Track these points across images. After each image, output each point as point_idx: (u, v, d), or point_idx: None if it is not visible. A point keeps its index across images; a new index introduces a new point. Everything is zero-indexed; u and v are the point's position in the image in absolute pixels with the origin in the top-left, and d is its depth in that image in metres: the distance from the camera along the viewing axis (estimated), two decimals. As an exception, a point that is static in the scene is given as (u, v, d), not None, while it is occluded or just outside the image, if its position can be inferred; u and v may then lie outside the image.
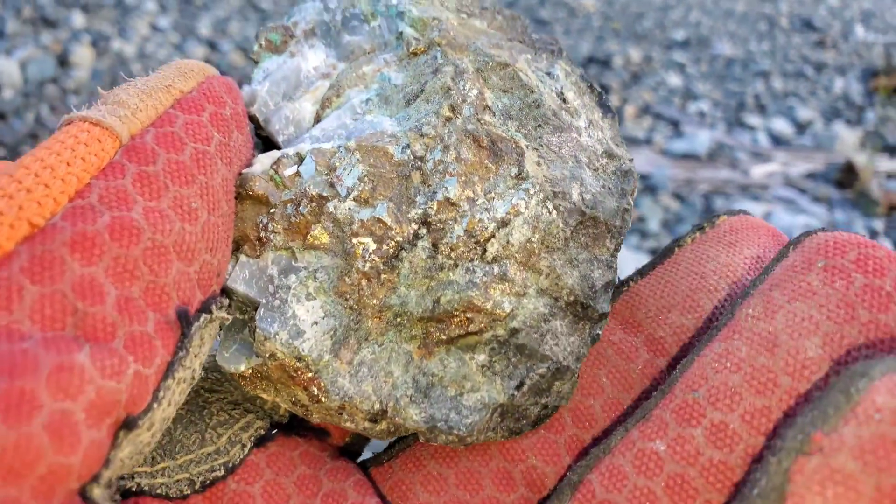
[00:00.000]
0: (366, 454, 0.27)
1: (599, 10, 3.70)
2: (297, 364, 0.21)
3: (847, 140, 2.35)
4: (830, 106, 2.74)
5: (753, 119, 2.58)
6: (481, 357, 0.23)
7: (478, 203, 0.22)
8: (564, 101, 0.25)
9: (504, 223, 0.22)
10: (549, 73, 0.26)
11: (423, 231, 0.22)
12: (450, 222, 0.22)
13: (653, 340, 0.24)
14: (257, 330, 0.21)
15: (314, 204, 0.22)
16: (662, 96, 2.71)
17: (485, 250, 0.22)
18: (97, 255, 0.17)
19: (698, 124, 2.50)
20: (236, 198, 0.22)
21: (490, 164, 0.22)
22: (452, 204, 0.22)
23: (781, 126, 2.52)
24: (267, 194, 0.22)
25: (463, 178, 0.22)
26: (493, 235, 0.22)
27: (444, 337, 0.22)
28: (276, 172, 0.22)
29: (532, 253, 0.22)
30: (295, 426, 0.25)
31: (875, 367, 0.18)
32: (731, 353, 0.20)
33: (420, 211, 0.22)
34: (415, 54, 0.24)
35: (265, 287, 0.22)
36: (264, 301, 0.21)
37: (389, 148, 0.22)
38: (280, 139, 0.24)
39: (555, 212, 0.23)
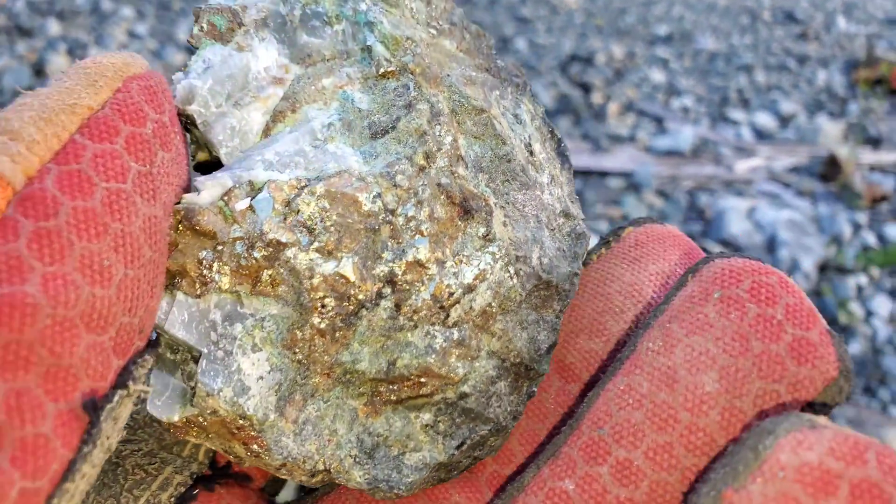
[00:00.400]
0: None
1: (582, 7, 3.70)
2: (241, 422, 0.20)
3: (830, 133, 2.36)
4: (813, 99, 2.75)
5: (737, 114, 2.58)
6: (426, 416, 0.22)
7: (446, 266, 0.21)
8: (532, 153, 0.24)
9: (470, 289, 0.21)
10: (516, 116, 0.25)
11: (388, 290, 0.20)
12: (416, 284, 0.21)
13: (564, 367, 0.24)
14: (199, 384, 0.19)
15: (270, 249, 0.20)
16: (646, 93, 2.71)
17: (447, 315, 0.21)
18: None
19: (682, 120, 2.50)
20: (176, 230, 0.19)
21: (460, 223, 0.21)
22: (421, 266, 0.20)
23: (765, 120, 2.53)
24: (215, 230, 0.19)
25: (434, 239, 0.21)
26: (458, 301, 0.21)
27: (394, 398, 0.21)
28: (227, 205, 0.20)
29: (490, 317, 0.22)
30: (215, 475, 0.24)
31: (781, 425, 0.18)
32: (633, 388, 0.21)
33: (386, 269, 0.20)
34: (384, 76, 0.22)
35: (206, 333, 0.20)
36: (206, 351, 0.20)
37: (359, 196, 0.20)
38: (222, 151, 0.21)
39: (515, 277, 0.22)
